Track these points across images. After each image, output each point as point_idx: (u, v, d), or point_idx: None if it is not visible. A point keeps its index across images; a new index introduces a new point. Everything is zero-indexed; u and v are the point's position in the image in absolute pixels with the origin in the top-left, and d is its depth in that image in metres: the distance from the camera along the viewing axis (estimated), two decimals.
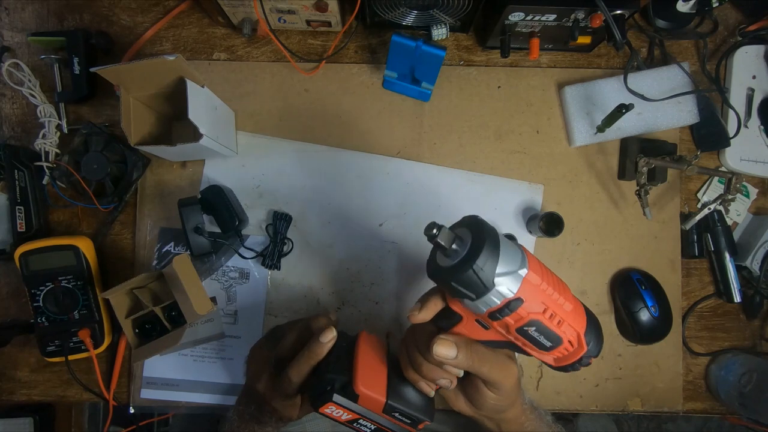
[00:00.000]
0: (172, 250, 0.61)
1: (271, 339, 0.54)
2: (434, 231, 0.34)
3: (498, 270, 0.33)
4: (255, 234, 0.61)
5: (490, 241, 0.34)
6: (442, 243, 0.35)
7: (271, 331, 0.56)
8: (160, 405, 0.60)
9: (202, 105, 0.51)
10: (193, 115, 0.48)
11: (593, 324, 0.39)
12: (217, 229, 0.58)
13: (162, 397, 0.60)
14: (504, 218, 0.62)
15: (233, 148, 0.60)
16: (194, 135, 0.49)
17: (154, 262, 0.61)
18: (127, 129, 0.50)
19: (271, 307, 0.61)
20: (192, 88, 0.49)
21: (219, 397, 0.60)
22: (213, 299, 0.60)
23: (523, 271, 0.34)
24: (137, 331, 0.56)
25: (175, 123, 0.59)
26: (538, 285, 0.35)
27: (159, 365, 0.60)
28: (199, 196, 0.57)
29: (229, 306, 0.61)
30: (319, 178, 0.62)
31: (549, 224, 0.57)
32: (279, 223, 0.60)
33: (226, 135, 0.58)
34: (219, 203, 0.57)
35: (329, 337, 0.45)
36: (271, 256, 0.60)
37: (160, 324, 0.56)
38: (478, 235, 0.34)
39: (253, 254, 0.60)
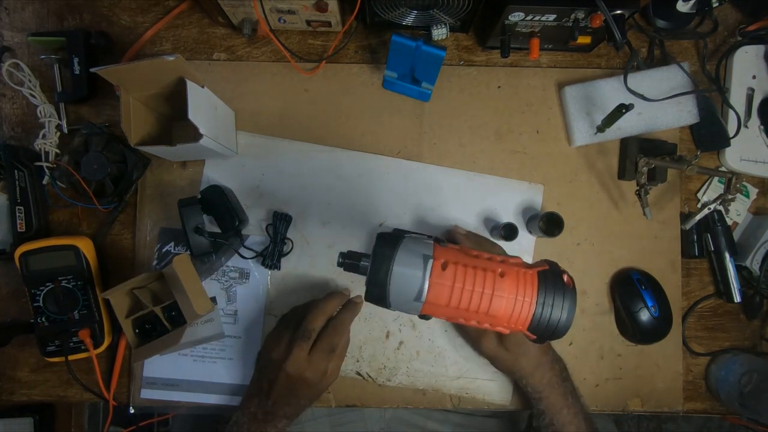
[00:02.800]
0: (172, 250, 0.61)
1: (289, 322, 0.56)
2: (340, 260, 0.44)
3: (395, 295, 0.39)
4: (255, 234, 0.61)
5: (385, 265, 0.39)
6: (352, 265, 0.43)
7: (284, 317, 0.59)
8: (160, 405, 0.60)
9: (202, 105, 0.51)
10: (193, 115, 0.48)
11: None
12: (217, 229, 0.58)
13: (162, 397, 0.60)
14: (504, 218, 0.62)
15: (233, 148, 0.60)
16: (194, 135, 0.49)
17: (154, 262, 0.61)
18: (127, 129, 0.50)
19: (271, 307, 0.61)
20: (192, 88, 0.49)
21: (219, 397, 0.60)
22: (213, 299, 0.60)
23: (418, 304, 0.39)
24: (137, 331, 0.56)
25: (175, 123, 0.59)
26: (441, 304, 0.39)
27: (159, 365, 0.60)
28: (199, 196, 0.57)
29: (229, 306, 0.61)
30: (319, 178, 0.62)
31: (549, 224, 0.57)
32: (279, 223, 0.60)
33: (226, 135, 0.58)
34: (219, 203, 0.57)
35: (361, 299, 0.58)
36: (271, 256, 0.60)
37: (160, 324, 0.56)
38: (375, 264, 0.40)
39: (253, 254, 0.60)
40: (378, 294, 0.39)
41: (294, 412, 0.53)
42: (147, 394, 0.60)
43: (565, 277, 0.39)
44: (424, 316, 0.41)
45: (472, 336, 0.57)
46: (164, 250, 0.61)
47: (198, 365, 0.60)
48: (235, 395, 0.60)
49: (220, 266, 0.61)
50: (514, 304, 0.38)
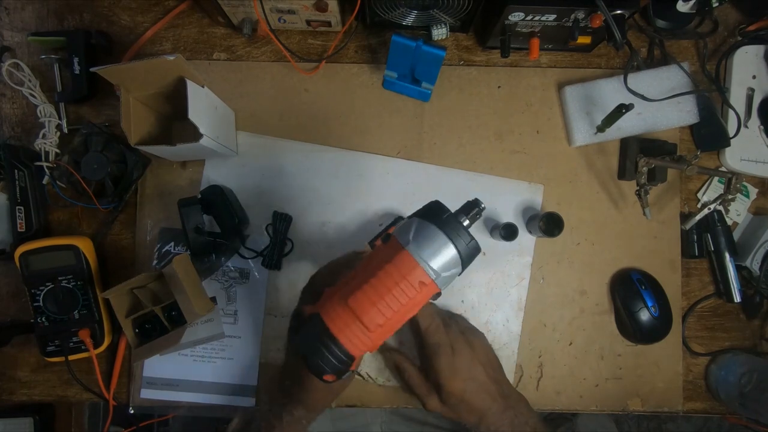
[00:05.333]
0: (172, 250, 0.61)
1: (309, 292, 0.51)
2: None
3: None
4: (255, 234, 0.61)
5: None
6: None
7: (304, 290, 0.52)
8: (160, 405, 0.60)
9: (202, 105, 0.51)
10: (193, 115, 0.48)
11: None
12: (217, 229, 0.58)
13: (162, 397, 0.60)
14: (504, 218, 0.62)
15: (233, 148, 0.60)
16: (194, 135, 0.49)
17: (154, 262, 0.61)
18: (127, 129, 0.50)
19: (271, 307, 0.61)
20: (192, 88, 0.49)
21: (219, 397, 0.60)
22: (213, 299, 0.60)
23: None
24: (137, 330, 0.56)
25: (175, 123, 0.59)
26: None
27: (159, 365, 0.60)
28: (199, 196, 0.57)
29: (229, 306, 0.61)
30: (319, 178, 0.62)
31: (549, 224, 0.57)
32: (279, 223, 0.60)
33: (226, 135, 0.58)
34: (219, 203, 0.57)
35: None
36: (271, 256, 0.60)
37: (160, 324, 0.56)
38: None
39: (253, 254, 0.60)
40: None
41: (311, 397, 0.50)
42: (147, 394, 0.60)
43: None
44: None
45: (419, 396, 0.55)
46: (164, 250, 0.61)
47: (198, 365, 0.60)
48: (235, 395, 0.60)
49: (220, 266, 0.61)
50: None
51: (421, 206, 0.41)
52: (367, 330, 0.38)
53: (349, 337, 0.38)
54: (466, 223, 0.41)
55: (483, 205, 0.42)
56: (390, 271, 0.38)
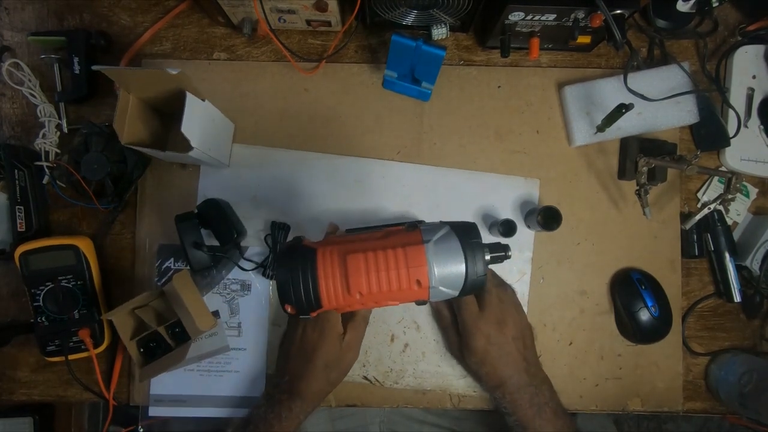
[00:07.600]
0: (172, 266, 0.60)
1: None
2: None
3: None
4: (254, 245, 0.61)
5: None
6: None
7: None
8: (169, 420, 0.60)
9: (199, 118, 0.50)
10: (186, 128, 0.48)
11: None
12: (216, 243, 0.58)
13: (170, 414, 0.59)
14: (502, 215, 0.62)
15: (225, 160, 0.59)
16: (185, 146, 0.49)
17: (155, 279, 0.60)
18: (120, 128, 0.50)
19: (275, 317, 0.60)
20: (191, 101, 0.49)
21: (227, 410, 0.60)
22: (215, 313, 0.59)
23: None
24: (142, 350, 0.56)
25: (175, 123, 0.59)
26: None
27: (166, 382, 0.59)
28: (196, 211, 0.56)
29: (232, 319, 0.60)
30: (315, 186, 0.61)
31: (547, 218, 0.57)
32: (277, 233, 0.59)
33: (219, 147, 0.57)
34: (216, 216, 0.56)
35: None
36: (271, 267, 0.59)
37: (164, 342, 0.55)
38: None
39: (253, 265, 0.60)
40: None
41: (308, 388, 0.51)
42: (156, 411, 0.59)
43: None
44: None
45: (450, 341, 0.59)
46: (164, 266, 0.60)
47: (204, 379, 0.60)
48: (243, 407, 0.59)
49: (221, 279, 0.60)
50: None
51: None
52: (347, 290, 0.40)
53: (327, 286, 0.40)
54: (487, 257, 0.43)
55: (510, 254, 0.45)
56: (398, 255, 0.40)
